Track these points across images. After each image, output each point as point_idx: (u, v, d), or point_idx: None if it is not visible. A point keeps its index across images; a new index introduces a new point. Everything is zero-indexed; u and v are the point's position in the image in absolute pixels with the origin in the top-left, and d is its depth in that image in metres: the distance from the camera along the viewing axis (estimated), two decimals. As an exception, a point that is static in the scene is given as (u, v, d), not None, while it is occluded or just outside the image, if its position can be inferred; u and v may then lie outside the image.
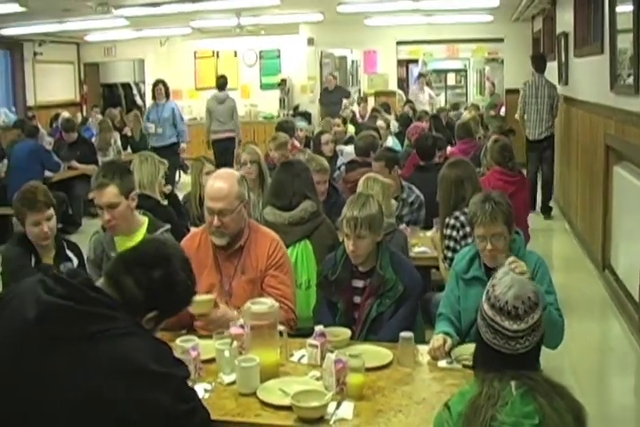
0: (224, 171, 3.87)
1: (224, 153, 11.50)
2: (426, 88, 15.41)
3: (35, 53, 15.42)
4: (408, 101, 14.13)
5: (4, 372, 2.30)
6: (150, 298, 2.40)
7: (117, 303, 2.33)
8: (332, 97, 14.34)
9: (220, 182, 3.63)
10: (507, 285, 2.14)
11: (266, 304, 3.05)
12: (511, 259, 3.16)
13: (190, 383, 2.52)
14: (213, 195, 3.60)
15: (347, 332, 3.43)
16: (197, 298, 3.25)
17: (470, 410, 2.05)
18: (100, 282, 2.44)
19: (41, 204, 4.04)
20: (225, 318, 3.34)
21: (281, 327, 3.12)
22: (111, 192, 3.92)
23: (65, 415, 2.18)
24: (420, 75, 15.97)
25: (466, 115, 12.11)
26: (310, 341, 3.17)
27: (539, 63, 10.40)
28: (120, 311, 2.32)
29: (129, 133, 12.32)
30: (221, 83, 12.79)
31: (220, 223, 3.57)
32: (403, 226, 5.27)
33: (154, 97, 11.57)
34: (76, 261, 4.22)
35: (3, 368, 2.31)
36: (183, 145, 11.69)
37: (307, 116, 14.06)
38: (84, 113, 15.75)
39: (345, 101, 13.71)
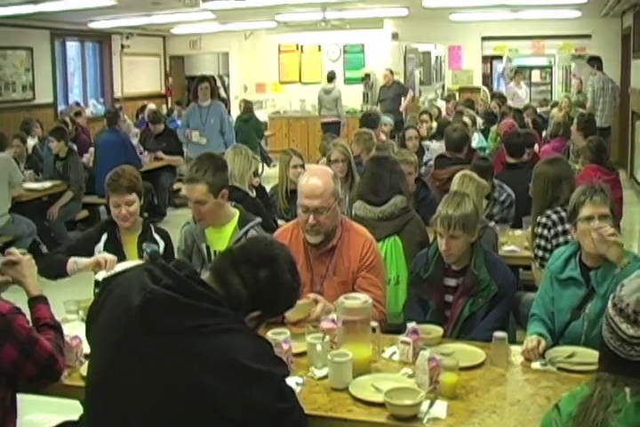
0: (318, 168, 3.85)
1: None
2: (522, 84, 15.14)
3: (122, 46, 15.70)
4: (494, 97, 13.91)
5: (106, 357, 2.35)
6: (255, 297, 2.40)
7: (222, 299, 2.32)
8: (388, 93, 14.23)
9: (315, 179, 3.58)
10: (634, 288, 2.06)
11: (359, 299, 3.03)
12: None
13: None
14: (309, 192, 3.55)
15: (439, 330, 3.39)
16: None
17: (580, 410, 1.99)
18: (204, 276, 2.44)
19: (123, 188, 4.13)
20: (328, 309, 3.33)
21: (374, 323, 3.10)
22: (200, 190, 3.89)
23: (161, 405, 2.19)
24: (516, 71, 15.66)
25: (554, 112, 11.87)
26: (403, 337, 3.13)
27: (599, 63, 12.43)
28: (224, 307, 2.32)
29: (213, 126, 12.41)
30: (330, 76, 14.75)
31: (316, 222, 3.53)
32: (492, 224, 5.19)
33: (195, 96, 9.59)
34: (162, 245, 4.27)
35: (105, 353, 2.35)
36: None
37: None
38: (169, 105, 15.97)
39: (403, 100, 13.75)
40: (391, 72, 14.53)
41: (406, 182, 4.74)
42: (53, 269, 3.96)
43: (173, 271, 2.34)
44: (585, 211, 3.41)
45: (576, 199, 3.47)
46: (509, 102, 13.31)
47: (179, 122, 11.78)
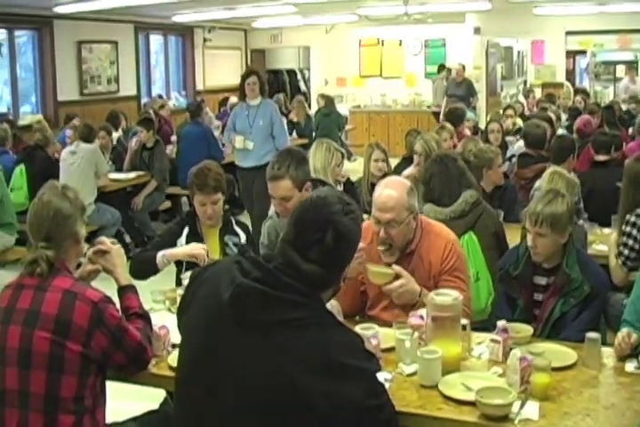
0: (394, 179, 3.71)
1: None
2: (636, 78, 14.79)
3: (204, 39, 15.87)
4: (577, 93, 13.63)
5: (196, 350, 2.35)
6: (337, 266, 2.37)
7: (310, 290, 2.30)
8: (458, 90, 13.91)
9: (389, 191, 3.44)
10: None
11: (450, 296, 2.98)
12: None
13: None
14: (381, 205, 3.43)
15: (528, 329, 3.31)
16: (377, 269, 3.27)
17: None
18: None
19: (209, 188, 4.11)
20: (405, 289, 3.29)
21: (464, 321, 3.05)
22: (285, 186, 3.89)
23: (252, 399, 2.18)
24: (631, 65, 15.29)
25: (641, 109, 11.58)
26: (492, 336, 3.07)
27: None
28: (312, 299, 2.29)
29: (294, 119, 12.47)
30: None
31: (387, 235, 3.43)
32: (581, 222, 5.07)
33: (243, 95, 8.07)
34: (243, 237, 4.27)
35: (195, 346, 2.35)
36: None
37: (472, 107, 13.82)
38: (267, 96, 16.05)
39: (472, 100, 13.45)
40: (463, 67, 14.31)
41: (467, 175, 4.62)
42: (144, 268, 3.99)
43: (262, 264, 2.32)
44: None
45: None
46: (623, 96, 13.01)
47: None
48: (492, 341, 3.06)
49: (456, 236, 4.03)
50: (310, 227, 2.33)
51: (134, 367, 2.91)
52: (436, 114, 14.12)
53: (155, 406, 3.51)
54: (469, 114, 10.34)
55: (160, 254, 3.95)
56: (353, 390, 2.18)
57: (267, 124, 7.90)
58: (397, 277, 3.31)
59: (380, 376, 2.75)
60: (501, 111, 10.79)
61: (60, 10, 10.84)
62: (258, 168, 7.36)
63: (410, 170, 5.96)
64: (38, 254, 2.84)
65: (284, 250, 2.35)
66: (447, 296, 2.98)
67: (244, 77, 7.94)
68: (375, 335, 2.97)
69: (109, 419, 2.94)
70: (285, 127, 8.44)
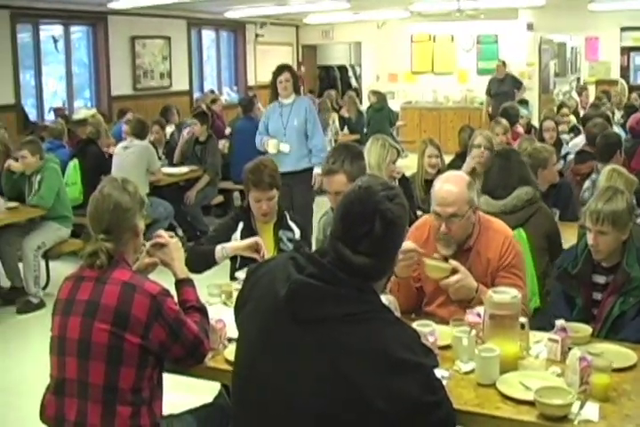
0: (453, 174, 3.67)
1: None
2: None
3: (256, 35, 15.94)
4: (633, 90, 13.43)
5: (253, 346, 2.35)
6: (388, 253, 2.34)
7: (366, 284, 2.28)
8: (502, 86, 13.66)
9: (450, 186, 3.43)
10: None
11: (509, 294, 2.94)
12: None
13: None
14: (441, 199, 3.42)
15: (587, 328, 3.26)
16: (435, 263, 3.25)
17: None
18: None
19: (265, 184, 4.11)
20: (462, 284, 3.27)
21: (523, 319, 3.01)
22: (340, 181, 3.88)
23: (308, 394, 2.17)
24: None
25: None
26: (551, 335, 3.03)
27: None
28: (368, 293, 2.28)
29: (346, 115, 12.47)
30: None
31: (448, 230, 3.41)
32: (639, 220, 4.99)
33: (275, 93, 7.32)
34: (297, 233, 4.28)
35: (252, 342, 2.35)
36: (317, 171, 6.90)
37: (525, 103, 13.65)
38: (302, 94, 16.08)
39: (516, 93, 13.16)
40: (504, 64, 14.14)
41: (528, 173, 4.58)
42: (202, 261, 3.99)
43: (317, 259, 2.31)
44: None
45: None
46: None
47: (313, 109, 11.76)
48: (551, 340, 3.02)
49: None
50: (358, 220, 2.30)
51: (191, 360, 2.93)
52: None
53: (208, 398, 3.52)
54: (522, 111, 10.24)
55: (219, 247, 3.96)
56: (410, 386, 2.16)
57: (301, 124, 7.20)
58: (454, 272, 3.29)
59: (437, 373, 2.74)
60: (555, 109, 10.66)
61: (114, 6, 10.96)
62: (294, 174, 6.78)
63: (469, 163, 5.91)
64: (98, 247, 2.86)
65: (334, 245, 2.33)
66: (506, 294, 2.95)
67: (276, 74, 7.25)
68: (432, 332, 2.95)
69: (164, 411, 2.96)
70: (320, 126, 7.60)
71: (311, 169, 7.10)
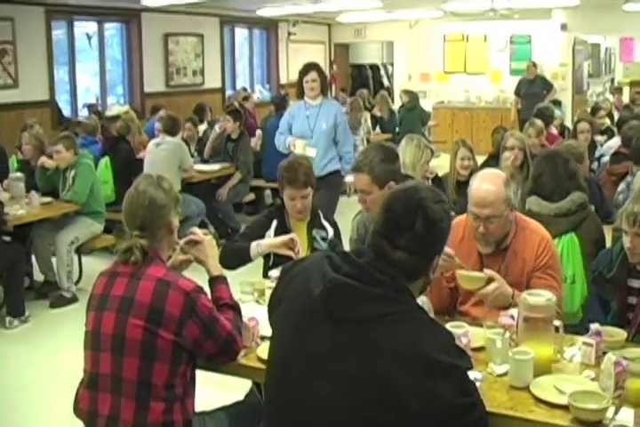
0: (490, 172, 3.61)
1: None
2: None
3: (289, 33, 15.99)
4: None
5: (287, 344, 2.34)
6: (426, 254, 2.33)
7: (402, 285, 2.27)
8: (532, 87, 13.45)
9: (486, 185, 3.40)
10: None
11: (543, 297, 2.92)
12: None
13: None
14: (479, 200, 3.38)
15: (622, 333, 3.22)
16: (470, 274, 3.21)
17: None
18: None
19: (299, 182, 4.11)
20: (499, 292, 3.20)
21: (557, 322, 2.99)
22: (363, 180, 3.86)
23: (342, 394, 2.16)
24: None
25: None
26: (585, 339, 3.01)
27: None
28: (404, 294, 2.27)
29: (378, 114, 12.45)
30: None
31: (486, 230, 3.39)
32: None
33: (301, 93, 6.94)
34: (331, 232, 4.27)
35: (286, 341, 2.35)
36: (349, 178, 6.50)
37: (558, 104, 13.54)
38: (334, 92, 16.09)
39: (547, 96, 12.88)
40: (534, 64, 14.02)
41: (579, 177, 4.55)
42: (236, 258, 4.00)
43: (353, 259, 2.30)
44: None
45: None
46: None
47: (343, 109, 11.71)
48: (585, 344, 3.00)
49: (558, 233, 3.98)
50: (400, 212, 2.31)
51: (224, 357, 2.93)
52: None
53: (237, 396, 3.52)
54: (556, 112, 10.16)
55: (254, 244, 3.96)
56: (444, 388, 2.15)
57: (330, 128, 6.77)
58: (489, 281, 3.23)
59: (471, 375, 2.73)
60: (588, 110, 10.57)
61: (147, 3, 11.00)
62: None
63: (508, 167, 5.86)
64: (132, 243, 2.88)
65: (374, 239, 2.34)
66: (540, 297, 2.92)
67: (302, 73, 6.84)
68: (466, 334, 2.93)
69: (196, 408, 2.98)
70: (350, 133, 7.23)
71: (336, 172, 6.81)
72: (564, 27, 15.31)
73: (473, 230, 3.44)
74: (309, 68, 6.81)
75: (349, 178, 6.29)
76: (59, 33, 11.46)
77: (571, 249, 4.17)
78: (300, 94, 6.87)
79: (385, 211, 2.36)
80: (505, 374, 2.84)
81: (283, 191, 4.18)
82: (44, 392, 4.95)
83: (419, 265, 2.32)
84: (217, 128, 9.10)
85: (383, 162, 3.87)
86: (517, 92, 13.87)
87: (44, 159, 6.94)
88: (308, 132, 6.77)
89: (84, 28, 12.14)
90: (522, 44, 16.04)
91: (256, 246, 3.96)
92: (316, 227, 4.26)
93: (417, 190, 2.38)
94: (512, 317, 3.05)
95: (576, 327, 3.65)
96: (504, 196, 3.38)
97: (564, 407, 2.58)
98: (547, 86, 13.58)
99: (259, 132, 10.18)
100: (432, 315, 3.00)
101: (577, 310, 3.99)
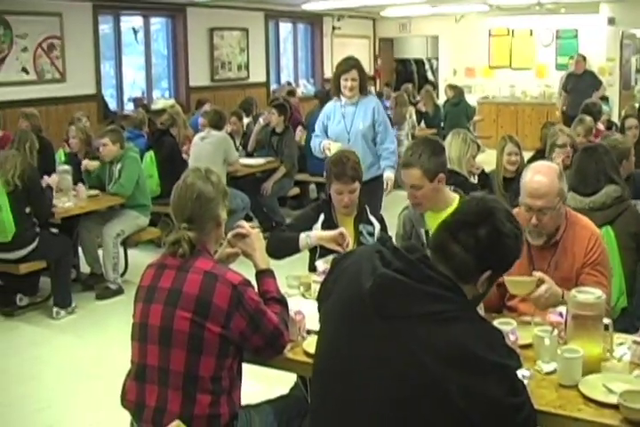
0: (543, 164, 3.59)
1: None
2: None
3: (333, 28, 15.97)
4: None
5: (335, 338, 2.34)
6: (482, 259, 2.29)
7: (452, 283, 2.26)
8: (580, 83, 12.65)
9: (540, 177, 3.38)
10: None
11: (593, 294, 2.88)
12: None
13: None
14: (532, 191, 3.36)
15: (674, 331, 3.19)
16: (519, 279, 3.17)
17: None
18: None
19: (347, 177, 4.11)
20: (551, 293, 3.14)
21: (607, 320, 2.94)
22: (415, 175, 3.81)
23: (390, 390, 2.16)
24: None
25: None
26: (635, 337, 2.97)
27: None
28: (455, 292, 2.25)
29: (423, 109, 12.40)
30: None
31: (538, 222, 3.36)
32: None
33: (337, 91, 6.28)
34: (377, 227, 4.27)
35: (334, 334, 2.35)
36: (389, 174, 6.15)
37: (605, 100, 13.33)
38: (378, 87, 16.05)
39: (596, 93, 12.30)
40: (584, 58, 13.73)
41: (617, 171, 4.48)
42: (284, 247, 4.00)
43: (404, 255, 2.29)
44: None
45: None
46: None
47: (387, 103, 11.69)
48: (635, 342, 2.95)
49: (594, 228, 3.92)
50: (470, 212, 2.34)
51: (271, 351, 2.94)
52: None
53: (280, 389, 3.52)
54: (604, 107, 10.03)
55: (304, 235, 3.96)
56: (492, 387, 2.13)
57: (368, 128, 6.19)
58: (539, 283, 3.17)
59: (519, 373, 2.70)
60: (637, 105, 10.42)
61: (192, -3, 11.08)
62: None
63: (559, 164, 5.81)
64: (181, 235, 2.89)
65: (438, 232, 2.35)
66: (590, 294, 2.88)
67: (342, 71, 6.16)
68: (513, 331, 2.91)
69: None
70: (391, 128, 6.57)
71: (378, 178, 6.14)
72: (611, 21, 15.11)
73: (524, 223, 3.40)
74: (350, 66, 6.14)
75: (389, 173, 6.11)
76: (105, 28, 11.56)
77: (607, 243, 4.09)
78: (337, 91, 6.27)
79: (455, 213, 2.40)
80: (553, 372, 2.81)
81: (330, 186, 4.18)
82: (89, 383, 5.00)
83: (471, 266, 2.29)
84: (261, 120, 9.13)
85: (432, 155, 3.84)
86: (565, 88, 13.12)
87: (86, 162, 7.02)
88: (345, 134, 6.20)
89: (131, 22, 12.24)
90: (568, 38, 15.86)
91: (305, 238, 3.96)
92: (363, 222, 4.25)
93: (495, 202, 2.40)
94: (560, 314, 3.02)
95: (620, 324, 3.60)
96: (557, 188, 3.36)
97: (614, 407, 2.54)
98: (596, 82, 12.98)
99: (299, 128, 10.17)
100: (482, 312, 2.98)
101: (616, 305, 3.92)
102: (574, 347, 2.79)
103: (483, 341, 2.18)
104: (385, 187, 6.11)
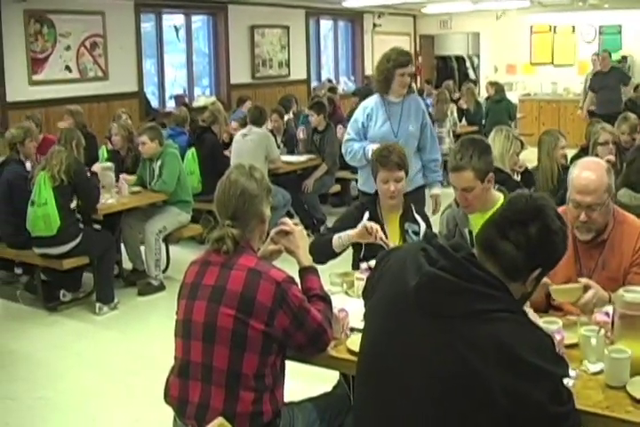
0: (591, 160, 3.56)
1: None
2: None
3: (374, 25, 15.98)
4: None
5: (379, 335, 2.33)
6: (531, 256, 2.26)
7: (499, 282, 2.23)
8: (606, 80, 12.12)
9: (589, 173, 3.33)
10: None
11: (641, 293, 2.84)
12: None
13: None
14: (582, 188, 3.31)
15: None
16: (565, 287, 3.14)
17: None
18: None
19: (392, 164, 4.11)
20: (598, 297, 3.09)
21: (655, 320, 2.90)
22: (467, 177, 3.77)
23: (433, 388, 2.14)
24: None
25: None
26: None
27: None
28: (501, 291, 2.22)
29: (464, 106, 12.33)
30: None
31: (587, 218, 3.31)
32: None
33: (386, 87, 5.44)
34: (423, 226, 4.23)
35: (379, 332, 2.34)
36: (436, 191, 5.62)
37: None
38: (419, 84, 15.98)
39: (623, 89, 11.99)
40: (610, 54, 13.39)
41: None
42: (322, 252, 3.97)
43: (450, 253, 2.27)
44: None
45: None
46: None
47: (429, 101, 11.61)
48: (684, 343, 2.91)
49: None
50: (520, 210, 2.30)
51: (314, 349, 2.93)
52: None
53: (322, 387, 3.51)
54: None
55: (336, 237, 3.96)
56: (536, 392, 2.10)
57: (417, 131, 5.52)
58: (585, 288, 3.13)
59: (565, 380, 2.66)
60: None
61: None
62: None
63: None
64: (224, 232, 2.88)
65: (486, 229, 2.33)
66: (638, 293, 2.84)
67: (399, 65, 5.35)
68: (559, 330, 2.87)
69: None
70: (436, 135, 6.01)
71: (422, 187, 5.58)
72: (656, 16, 14.92)
73: (572, 219, 3.36)
74: (408, 60, 5.43)
75: (436, 191, 5.60)
76: (147, 26, 11.65)
77: None
78: (385, 88, 5.45)
79: (506, 208, 2.36)
80: (600, 372, 2.77)
81: (376, 176, 4.17)
82: (132, 379, 5.03)
83: (520, 263, 2.26)
84: (300, 135, 9.18)
85: (482, 155, 3.82)
86: (592, 88, 12.39)
87: (123, 176, 7.02)
88: (392, 136, 5.33)
89: (172, 20, 12.31)
90: (611, 34, 15.67)
91: (337, 239, 3.95)
92: (409, 220, 4.22)
93: (544, 199, 2.37)
94: (607, 314, 2.98)
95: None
96: (606, 184, 3.32)
97: (663, 408, 2.51)
98: (625, 78, 12.59)
99: (340, 126, 10.15)
100: (529, 311, 2.93)
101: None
102: (622, 347, 2.75)
103: (530, 344, 2.15)
104: (434, 206, 5.53)
